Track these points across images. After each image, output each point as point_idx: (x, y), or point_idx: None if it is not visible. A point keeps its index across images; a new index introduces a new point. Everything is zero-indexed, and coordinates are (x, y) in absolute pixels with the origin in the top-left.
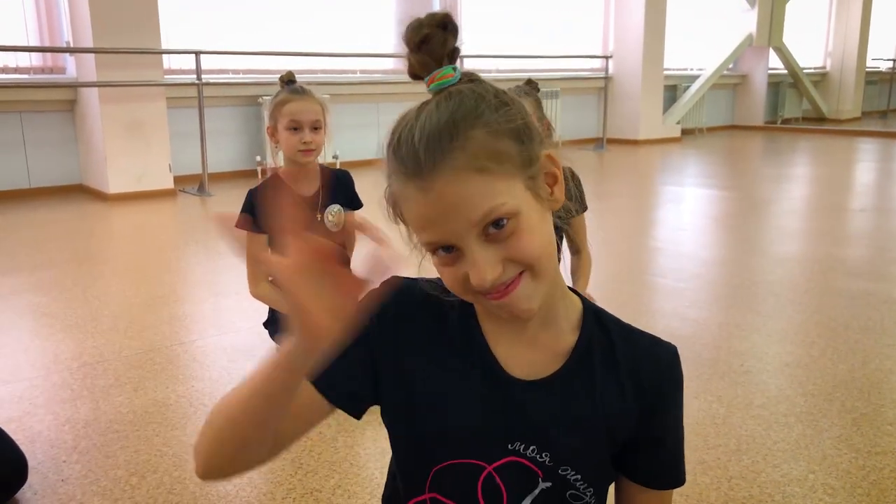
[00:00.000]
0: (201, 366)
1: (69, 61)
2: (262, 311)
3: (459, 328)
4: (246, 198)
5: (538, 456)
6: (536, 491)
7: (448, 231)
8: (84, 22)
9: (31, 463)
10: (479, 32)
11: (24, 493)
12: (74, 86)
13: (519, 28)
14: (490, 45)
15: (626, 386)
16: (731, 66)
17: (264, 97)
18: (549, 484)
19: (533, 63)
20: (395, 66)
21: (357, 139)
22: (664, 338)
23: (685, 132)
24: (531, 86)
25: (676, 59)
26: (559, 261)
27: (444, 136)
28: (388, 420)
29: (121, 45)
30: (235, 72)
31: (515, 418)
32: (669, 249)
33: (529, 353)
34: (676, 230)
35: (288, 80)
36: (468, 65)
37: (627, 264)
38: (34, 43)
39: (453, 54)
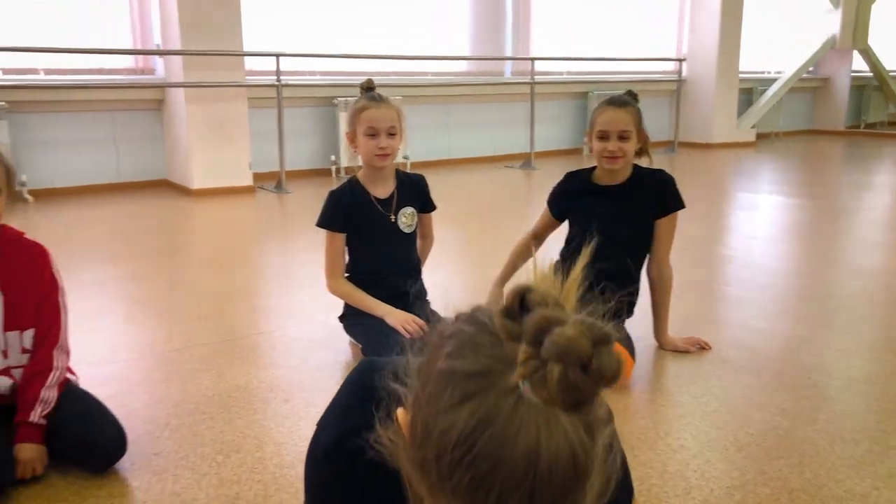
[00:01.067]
0: (280, 355)
1: (158, 63)
2: (336, 306)
3: None
4: (327, 198)
5: None
6: None
7: None
8: (173, 26)
9: (129, 437)
10: (550, 35)
11: (123, 463)
12: (163, 86)
13: (590, 30)
14: (560, 48)
15: None
16: (811, 68)
17: (339, 98)
18: None
19: (604, 65)
20: (467, 69)
21: (427, 140)
22: (730, 348)
23: (760, 136)
24: (631, 95)
25: (753, 61)
26: None
27: None
28: None
29: (206, 48)
30: (312, 73)
31: None
32: (740, 258)
33: None
34: (748, 238)
35: (367, 87)
36: (539, 67)
37: (695, 272)
38: (127, 45)
39: None
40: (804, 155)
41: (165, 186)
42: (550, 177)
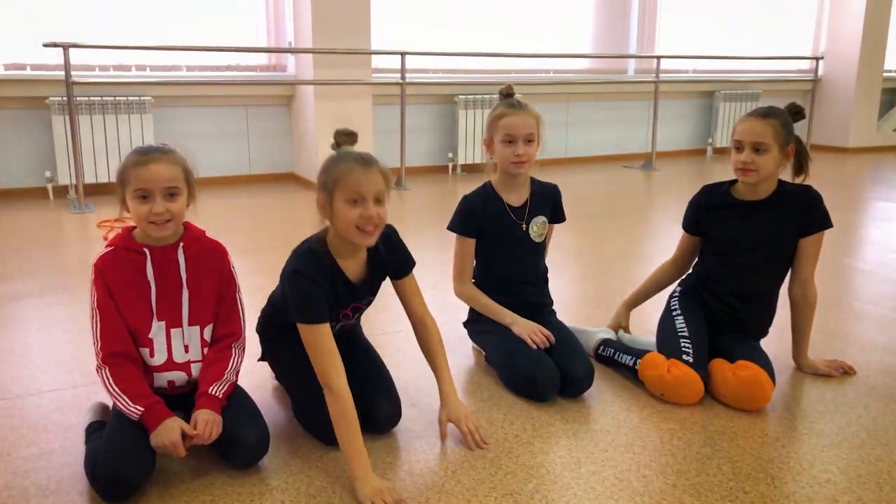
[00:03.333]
0: (405, 356)
1: (290, 60)
2: (461, 310)
3: None
4: (461, 202)
5: None
6: None
7: None
8: (305, 25)
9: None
10: (676, 32)
11: (264, 461)
12: (294, 83)
13: (719, 27)
14: (687, 45)
15: None
16: None
17: (460, 96)
18: None
19: (732, 64)
20: (589, 66)
21: (547, 138)
22: (877, 374)
23: None
24: (793, 110)
25: None
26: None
27: None
28: None
29: (336, 46)
30: (435, 71)
31: None
32: (881, 274)
33: None
34: (889, 252)
35: (506, 93)
36: (665, 66)
37: (833, 287)
38: (262, 43)
39: None
40: None
41: (292, 180)
42: (672, 178)
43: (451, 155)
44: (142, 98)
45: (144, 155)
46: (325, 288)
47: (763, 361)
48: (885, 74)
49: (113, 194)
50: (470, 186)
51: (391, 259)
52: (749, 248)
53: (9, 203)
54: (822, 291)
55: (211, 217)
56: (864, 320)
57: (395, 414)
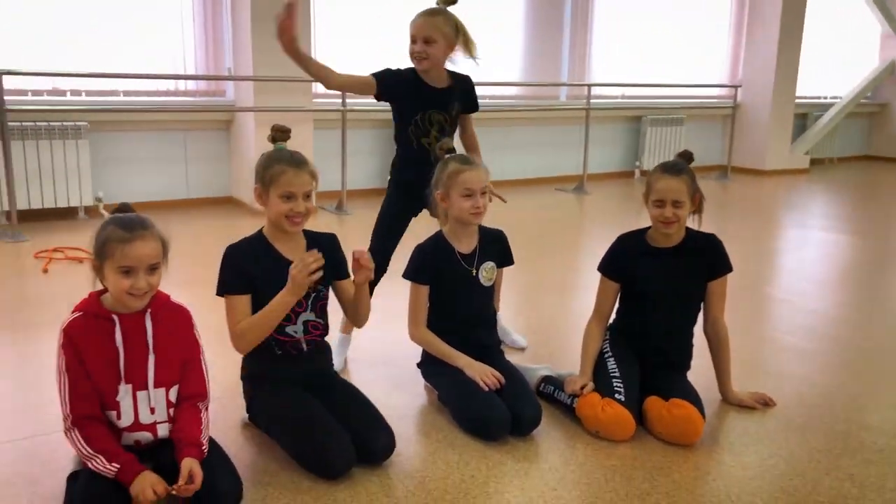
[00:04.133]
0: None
1: (229, 85)
2: (416, 351)
3: None
4: (414, 251)
5: None
6: None
7: None
8: (245, 50)
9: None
10: (606, 60)
11: None
12: (234, 110)
13: (646, 56)
14: (616, 73)
15: None
16: (869, 94)
17: None
18: None
19: (658, 90)
20: (523, 92)
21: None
22: (795, 406)
23: (814, 162)
24: (685, 156)
25: (809, 86)
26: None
27: None
28: None
29: (276, 74)
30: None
31: None
32: (797, 304)
33: None
34: (805, 281)
35: (448, 149)
36: (596, 92)
37: (753, 318)
38: (201, 68)
39: None
40: (860, 183)
41: (230, 203)
42: (602, 200)
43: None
44: (77, 123)
45: (129, 231)
46: (251, 268)
47: (694, 398)
48: (797, 101)
49: (47, 220)
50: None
51: (332, 257)
52: (666, 290)
53: None
54: (742, 322)
55: None
56: (783, 351)
57: (390, 445)
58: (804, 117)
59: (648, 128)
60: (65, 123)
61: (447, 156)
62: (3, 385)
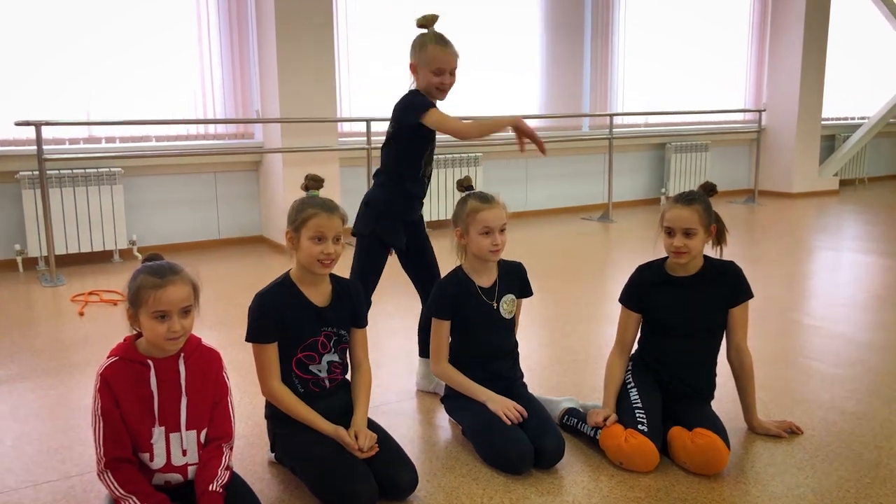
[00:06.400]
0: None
1: (258, 127)
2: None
3: None
4: (435, 288)
5: None
6: None
7: None
8: (272, 94)
9: None
10: (628, 88)
11: None
12: (262, 152)
13: (668, 83)
14: (638, 101)
15: None
16: None
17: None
18: None
19: (682, 116)
20: (545, 123)
21: (505, 193)
22: (823, 433)
23: (844, 183)
24: (707, 189)
25: (836, 107)
26: None
27: None
28: None
29: (303, 115)
30: None
31: None
32: (826, 328)
33: None
34: (834, 305)
35: (467, 185)
36: (619, 121)
37: (780, 344)
38: (230, 111)
39: None
40: (891, 204)
41: (261, 242)
42: (627, 229)
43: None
44: (112, 169)
45: (160, 277)
46: (281, 313)
47: (718, 428)
48: (822, 123)
49: (83, 264)
50: (437, 242)
51: (355, 304)
52: (687, 319)
53: None
54: (770, 348)
55: None
56: (810, 377)
57: (414, 480)
58: (832, 139)
59: (673, 154)
60: (100, 170)
61: (465, 193)
62: (41, 427)
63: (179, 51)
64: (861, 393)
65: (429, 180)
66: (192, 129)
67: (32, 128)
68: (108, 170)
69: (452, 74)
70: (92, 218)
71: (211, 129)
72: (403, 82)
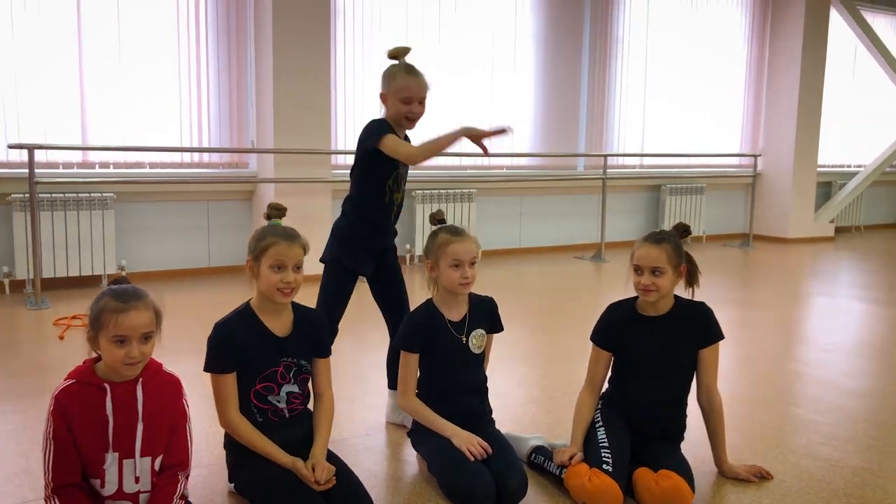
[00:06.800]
0: (351, 466)
1: (252, 158)
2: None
3: None
4: (405, 320)
5: None
6: None
7: None
8: (268, 125)
9: None
10: (623, 130)
11: None
12: (255, 181)
13: (663, 125)
14: (633, 142)
15: None
16: (894, 162)
17: (417, 191)
18: None
19: (678, 159)
20: (540, 162)
21: (498, 229)
22: (794, 479)
23: (840, 230)
24: (680, 229)
25: (831, 155)
26: None
27: None
28: None
29: (297, 146)
30: None
31: None
32: (810, 374)
33: None
34: (821, 351)
35: (440, 219)
36: (612, 162)
37: (761, 388)
38: (225, 140)
39: None
40: (887, 252)
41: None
42: (620, 269)
43: (408, 246)
44: (104, 194)
45: (123, 301)
46: (240, 343)
47: (684, 470)
48: (819, 169)
49: (71, 288)
50: (417, 276)
51: (318, 334)
52: (656, 359)
53: None
54: (750, 392)
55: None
56: (787, 422)
57: None
58: (828, 185)
59: (668, 196)
60: (92, 195)
61: (437, 226)
62: (6, 449)
63: (177, 80)
64: (836, 439)
65: (398, 208)
66: (187, 157)
67: (25, 151)
68: (100, 195)
69: (422, 104)
70: (82, 242)
71: (205, 157)
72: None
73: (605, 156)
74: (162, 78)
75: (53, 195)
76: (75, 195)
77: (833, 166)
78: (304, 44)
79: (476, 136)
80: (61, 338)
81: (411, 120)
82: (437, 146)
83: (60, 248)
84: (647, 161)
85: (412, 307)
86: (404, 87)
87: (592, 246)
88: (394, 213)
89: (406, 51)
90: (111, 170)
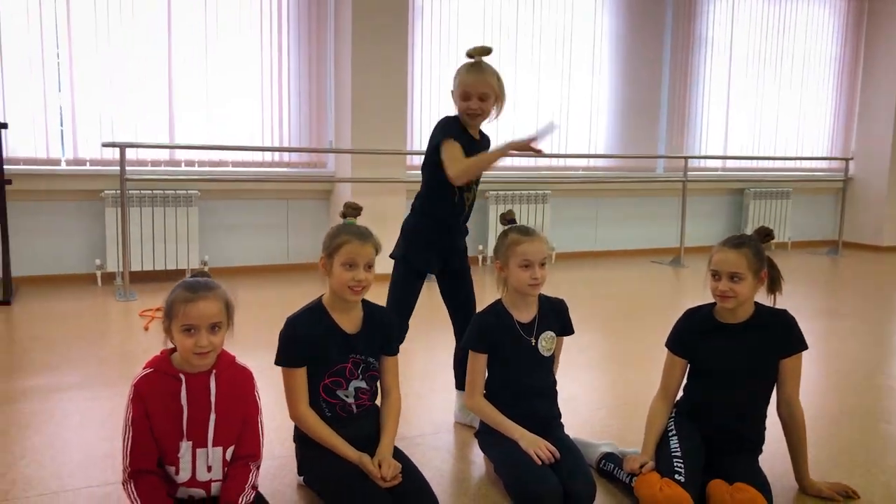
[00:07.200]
0: (418, 464)
1: (330, 158)
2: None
3: None
4: (473, 320)
5: None
6: None
7: None
8: (346, 126)
9: None
10: (706, 131)
11: None
12: (333, 181)
13: (748, 126)
14: (716, 143)
15: None
16: None
17: (490, 192)
18: None
19: (762, 162)
20: (618, 164)
21: (575, 232)
22: (881, 499)
23: None
24: (759, 233)
25: None
26: None
27: None
28: None
29: (374, 146)
30: None
31: None
32: None
33: None
34: None
35: (510, 219)
36: (693, 164)
37: (849, 401)
38: (304, 140)
39: None
40: None
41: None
42: (699, 275)
43: (480, 247)
44: (189, 192)
45: (193, 292)
46: (310, 339)
47: (760, 483)
48: None
49: (157, 282)
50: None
51: (387, 332)
52: (734, 368)
53: (60, 288)
54: (837, 405)
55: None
56: (877, 439)
57: None
58: None
59: (752, 200)
60: (178, 192)
61: (507, 226)
62: (90, 434)
63: (259, 82)
64: None
65: (469, 208)
66: (268, 157)
67: (117, 149)
68: (185, 192)
69: (483, 100)
70: (168, 237)
71: (286, 157)
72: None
73: (686, 158)
74: (245, 79)
75: (142, 192)
76: (162, 192)
77: None
78: (382, 44)
79: (522, 147)
80: (146, 329)
81: (472, 116)
82: (482, 163)
83: (148, 243)
84: (730, 164)
85: (482, 308)
86: (462, 82)
87: (671, 250)
88: (464, 213)
89: (486, 51)
90: (196, 168)
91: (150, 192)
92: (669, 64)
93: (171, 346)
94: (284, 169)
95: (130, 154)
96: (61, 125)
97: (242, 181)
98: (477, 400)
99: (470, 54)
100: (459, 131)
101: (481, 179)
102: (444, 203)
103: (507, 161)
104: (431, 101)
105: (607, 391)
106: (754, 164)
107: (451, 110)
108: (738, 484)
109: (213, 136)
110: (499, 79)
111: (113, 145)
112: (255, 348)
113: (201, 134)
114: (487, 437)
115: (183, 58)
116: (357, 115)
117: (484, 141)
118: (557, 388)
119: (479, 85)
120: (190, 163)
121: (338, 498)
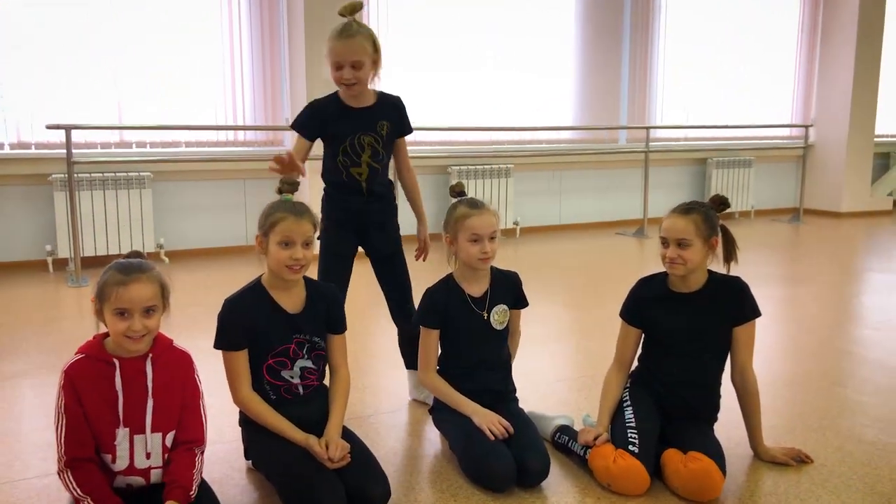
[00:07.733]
0: (373, 443)
1: (287, 136)
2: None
3: None
4: (424, 295)
5: None
6: None
7: None
8: (301, 103)
9: None
10: (668, 101)
11: None
12: None
13: (709, 96)
14: (678, 114)
15: None
16: None
17: (453, 167)
18: None
19: (724, 131)
20: (580, 136)
21: (538, 205)
22: (835, 463)
23: None
24: (714, 201)
25: (890, 124)
26: None
27: None
28: None
29: None
30: (430, 144)
31: None
32: (858, 353)
33: None
34: (871, 329)
35: (459, 191)
36: (655, 135)
37: (804, 367)
38: (260, 118)
39: None
40: None
41: None
42: None
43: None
44: (141, 174)
45: (125, 274)
46: (249, 320)
47: (714, 452)
48: (876, 139)
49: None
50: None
51: (332, 312)
52: (687, 336)
53: (11, 275)
54: (792, 371)
55: (206, 289)
56: (831, 403)
57: (385, 494)
58: (886, 156)
59: (714, 170)
60: (129, 174)
61: (456, 199)
62: (32, 423)
63: (212, 60)
64: (883, 422)
65: (369, 182)
66: (223, 136)
67: (63, 131)
68: (137, 174)
69: (357, 68)
70: (121, 221)
71: (241, 136)
72: (435, 90)
73: (648, 128)
74: (197, 57)
75: (93, 175)
76: (113, 175)
77: (891, 136)
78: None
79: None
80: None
81: (348, 86)
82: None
83: (100, 227)
84: (692, 133)
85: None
86: (332, 50)
87: (635, 222)
88: (364, 188)
89: (355, 7)
90: (148, 149)
91: (100, 174)
92: (630, 32)
93: (104, 330)
94: (240, 148)
95: (79, 137)
96: (1, 108)
97: (197, 161)
98: (430, 376)
99: (340, 13)
100: (316, 111)
101: (438, 155)
102: (336, 182)
103: (467, 135)
104: (389, 73)
105: (566, 364)
106: (716, 133)
107: (405, 85)
108: (692, 453)
109: (165, 117)
110: (374, 41)
111: (57, 127)
112: (209, 330)
113: (152, 114)
114: (442, 413)
115: (130, 34)
116: (312, 92)
117: (383, 105)
118: (516, 361)
119: (350, 53)
120: (142, 144)
121: (285, 482)
